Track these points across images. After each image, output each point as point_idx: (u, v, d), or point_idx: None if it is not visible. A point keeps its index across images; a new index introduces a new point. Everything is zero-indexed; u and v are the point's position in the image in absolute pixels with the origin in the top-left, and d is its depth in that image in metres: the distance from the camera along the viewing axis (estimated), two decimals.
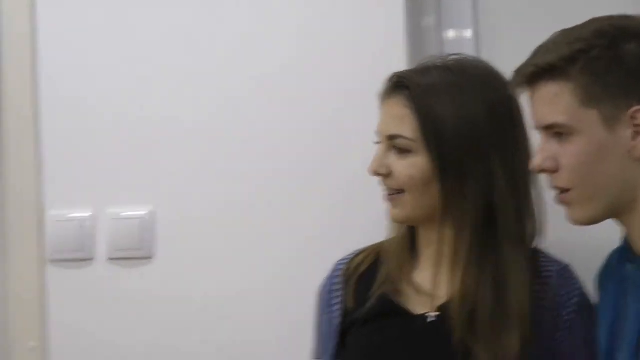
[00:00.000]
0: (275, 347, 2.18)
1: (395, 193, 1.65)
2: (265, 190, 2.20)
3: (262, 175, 2.20)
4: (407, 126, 1.63)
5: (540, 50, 1.50)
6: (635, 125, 1.43)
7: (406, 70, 1.74)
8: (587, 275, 1.70)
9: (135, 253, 2.21)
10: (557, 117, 1.46)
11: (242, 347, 2.20)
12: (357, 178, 1.99)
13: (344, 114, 2.17)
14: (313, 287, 1.83)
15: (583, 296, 1.67)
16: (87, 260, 2.22)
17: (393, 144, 1.65)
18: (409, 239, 1.71)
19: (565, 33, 1.50)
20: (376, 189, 1.74)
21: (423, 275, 1.69)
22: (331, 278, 1.75)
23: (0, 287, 2.46)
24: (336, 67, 2.18)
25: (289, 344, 2.15)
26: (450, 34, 2.27)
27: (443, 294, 1.64)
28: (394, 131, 1.65)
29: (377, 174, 1.67)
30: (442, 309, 1.63)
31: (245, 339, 2.20)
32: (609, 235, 1.61)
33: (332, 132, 2.18)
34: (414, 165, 1.63)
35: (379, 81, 1.73)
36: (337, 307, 1.71)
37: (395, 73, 1.70)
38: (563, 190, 1.48)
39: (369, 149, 1.74)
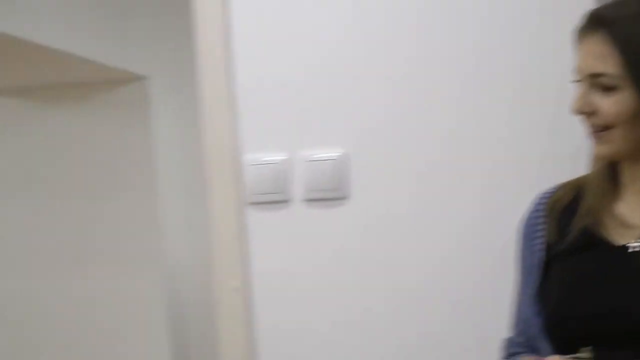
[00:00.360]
0: (470, 289, 2.17)
1: (601, 130, 1.61)
2: (459, 130, 2.17)
3: (454, 118, 2.17)
4: (610, 63, 1.57)
5: None
6: None
7: (602, 6, 1.68)
8: None
9: (330, 194, 2.22)
10: None
11: (435, 285, 2.19)
12: (553, 117, 1.94)
13: (536, 53, 2.11)
14: (510, 231, 1.81)
15: None
16: (283, 202, 2.25)
17: (595, 82, 1.60)
18: (610, 172, 1.67)
19: None
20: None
21: (625, 207, 1.64)
22: (533, 212, 1.73)
23: (203, 229, 2.53)
24: (526, 7, 2.13)
25: (486, 282, 2.13)
26: None
27: None
28: (596, 69, 1.59)
29: (581, 113, 1.62)
30: None
31: (437, 275, 2.19)
32: None
33: (524, 74, 2.14)
34: (620, 102, 1.57)
35: (571, 19, 1.67)
36: (540, 240, 1.69)
37: (591, 10, 1.64)
38: None
39: (564, 89, 1.70)
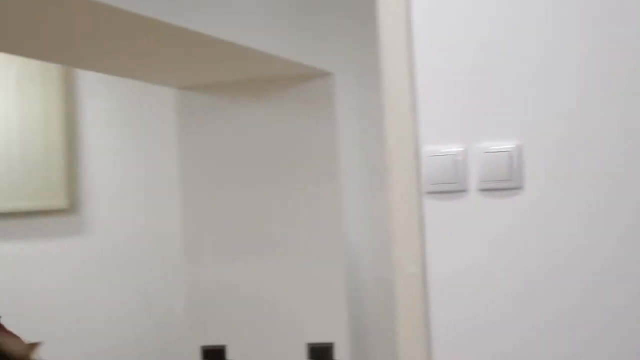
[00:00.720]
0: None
1: None
2: (635, 123, 2.15)
3: (631, 111, 2.15)
4: None
5: None
6: None
7: None
8: None
9: (505, 184, 2.24)
10: None
11: (606, 279, 2.18)
12: None
13: None
14: None
15: None
16: (460, 191, 2.28)
17: None
18: None
19: None
20: None
21: None
22: None
23: (381, 218, 2.59)
24: None
25: None
26: None
27: None
28: None
29: None
30: None
31: (610, 269, 2.18)
32: None
33: None
34: None
35: None
36: None
37: None
38: None
39: None
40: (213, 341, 4.64)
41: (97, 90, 5.18)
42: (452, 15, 2.28)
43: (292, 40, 4.23)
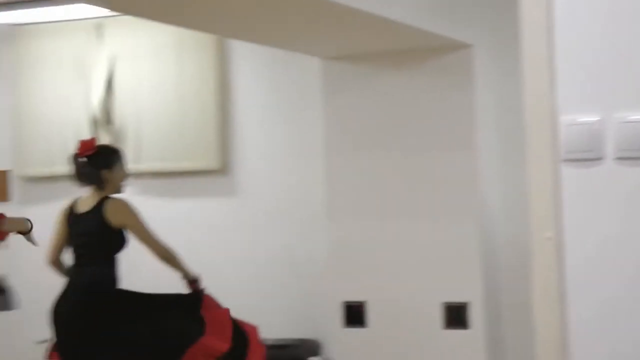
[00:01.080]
0: None
1: None
2: None
3: None
4: None
5: None
6: None
7: None
8: None
9: None
10: None
11: None
12: None
13: None
14: None
15: None
16: (596, 159, 2.29)
17: None
18: None
19: None
20: None
21: None
22: None
23: (515, 184, 2.60)
24: None
25: None
26: None
27: None
28: None
29: None
30: None
31: None
32: None
33: None
34: None
35: None
36: None
37: None
38: None
39: None
40: (353, 297, 4.75)
41: (247, 58, 5.31)
42: None
43: (433, 12, 4.25)
